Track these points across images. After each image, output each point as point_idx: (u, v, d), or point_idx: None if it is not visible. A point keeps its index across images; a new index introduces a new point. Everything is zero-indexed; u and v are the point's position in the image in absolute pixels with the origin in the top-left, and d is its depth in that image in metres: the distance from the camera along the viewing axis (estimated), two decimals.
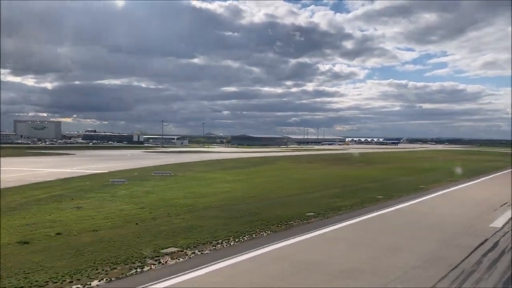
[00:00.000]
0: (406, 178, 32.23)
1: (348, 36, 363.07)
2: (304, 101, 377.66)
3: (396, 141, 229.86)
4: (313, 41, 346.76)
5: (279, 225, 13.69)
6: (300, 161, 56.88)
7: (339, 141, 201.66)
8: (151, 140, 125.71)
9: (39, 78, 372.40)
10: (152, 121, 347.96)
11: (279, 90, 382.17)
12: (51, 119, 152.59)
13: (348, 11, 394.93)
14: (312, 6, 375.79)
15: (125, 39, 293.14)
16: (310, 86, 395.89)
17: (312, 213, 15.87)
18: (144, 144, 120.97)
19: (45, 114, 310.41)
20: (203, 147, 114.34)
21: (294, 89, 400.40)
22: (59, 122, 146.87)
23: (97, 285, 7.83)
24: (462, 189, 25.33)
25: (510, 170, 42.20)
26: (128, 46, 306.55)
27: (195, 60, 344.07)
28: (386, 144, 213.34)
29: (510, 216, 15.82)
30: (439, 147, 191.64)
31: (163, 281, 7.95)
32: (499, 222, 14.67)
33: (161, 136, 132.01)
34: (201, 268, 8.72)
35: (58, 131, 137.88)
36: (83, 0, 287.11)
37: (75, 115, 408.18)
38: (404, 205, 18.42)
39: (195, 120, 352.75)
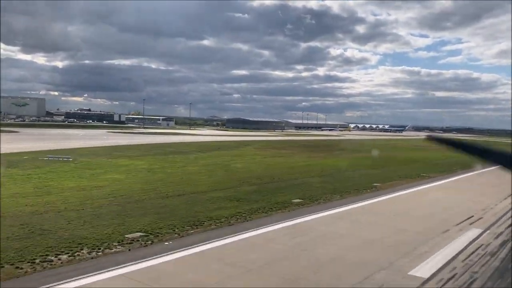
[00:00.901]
0: (368, 171, 26.07)
1: (361, 21, 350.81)
2: (315, 86, 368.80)
3: (401, 128, 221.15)
4: (324, 24, 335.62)
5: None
6: (272, 147, 50.74)
7: (340, 127, 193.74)
8: (136, 121, 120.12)
9: (49, 56, 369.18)
10: (162, 103, 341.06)
11: (289, 74, 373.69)
12: (34, 97, 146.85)
13: None
14: None
15: (134, 19, 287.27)
16: (321, 71, 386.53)
17: (140, 233, 9.97)
18: (125, 124, 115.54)
19: (56, 93, 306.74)
20: (189, 129, 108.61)
21: (304, 74, 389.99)
22: (43, 99, 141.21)
23: None
24: (424, 191, 19.17)
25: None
26: (137, 26, 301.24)
27: (205, 42, 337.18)
28: (390, 132, 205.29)
29: (458, 249, 9.70)
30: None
31: None
32: (431, 264, 8.60)
33: (148, 117, 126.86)
34: None
35: (42, 108, 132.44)
36: None
37: (85, 95, 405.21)
38: (298, 221, 12.25)
39: (205, 102, 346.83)
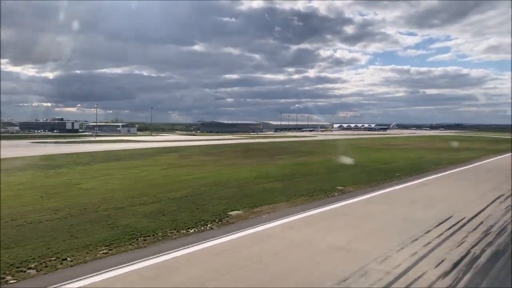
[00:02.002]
0: (266, 186, 18.78)
1: (348, 21, 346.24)
2: (306, 88, 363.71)
3: (386, 127, 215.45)
4: (313, 26, 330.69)
5: None
6: (204, 153, 43.49)
7: (321, 128, 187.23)
8: (96, 128, 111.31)
9: (39, 67, 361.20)
10: (156, 110, 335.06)
11: (281, 77, 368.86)
12: None
13: None
14: None
15: (122, 26, 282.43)
16: (311, 73, 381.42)
17: None
18: (78, 133, 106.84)
19: (49, 104, 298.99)
20: (150, 135, 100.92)
21: (296, 76, 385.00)
22: None
23: None
24: (273, 232, 11.92)
25: (466, 166, 28.90)
26: (126, 33, 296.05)
27: (196, 47, 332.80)
28: (374, 130, 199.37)
29: None
30: (430, 132, 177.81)
31: None
32: None
33: (109, 124, 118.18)
34: None
35: None
36: None
37: (79, 105, 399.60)
38: None
39: (199, 108, 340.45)
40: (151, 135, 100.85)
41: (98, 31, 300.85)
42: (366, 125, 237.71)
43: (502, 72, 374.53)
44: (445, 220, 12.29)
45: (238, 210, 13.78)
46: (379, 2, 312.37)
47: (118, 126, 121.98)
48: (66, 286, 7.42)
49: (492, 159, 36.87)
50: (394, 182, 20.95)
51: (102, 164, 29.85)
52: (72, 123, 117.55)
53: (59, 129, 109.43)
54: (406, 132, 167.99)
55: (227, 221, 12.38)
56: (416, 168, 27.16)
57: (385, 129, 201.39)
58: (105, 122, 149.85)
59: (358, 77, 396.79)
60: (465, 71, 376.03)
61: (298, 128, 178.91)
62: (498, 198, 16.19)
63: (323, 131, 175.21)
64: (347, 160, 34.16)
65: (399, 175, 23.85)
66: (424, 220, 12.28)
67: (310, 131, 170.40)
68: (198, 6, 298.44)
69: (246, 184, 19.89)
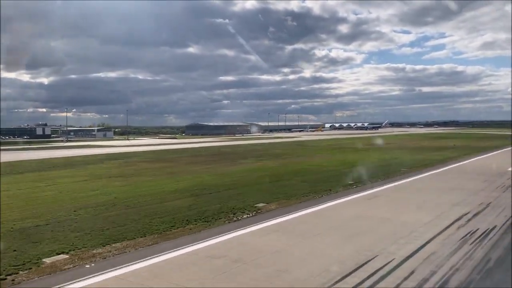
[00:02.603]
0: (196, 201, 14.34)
1: (343, 20, 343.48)
2: (302, 88, 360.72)
3: (378, 125, 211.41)
4: (307, 26, 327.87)
5: None
6: (162, 160, 39.02)
7: (310, 128, 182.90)
8: (67, 133, 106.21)
9: (33, 73, 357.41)
10: (152, 113, 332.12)
11: (277, 78, 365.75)
12: None
13: None
14: None
15: (115, 30, 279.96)
16: (307, 73, 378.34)
17: None
18: (50, 138, 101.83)
19: (44, 110, 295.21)
20: (127, 139, 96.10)
21: (291, 76, 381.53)
22: None
23: None
24: None
25: (439, 170, 24.64)
26: (119, 37, 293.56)
27: (190, 50, 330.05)
28: (367, 129, 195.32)
29: None
30: (423, 130, 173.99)
31: None
32: None
33: (85, 128, 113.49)
34: None
35: None
36: None
37: (74, 110, 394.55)
38: None
39: (195, 110, 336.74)
40: (127, 139, 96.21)
41: (91, 35, 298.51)
42: (359, 124, 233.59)
43: (497, 68, 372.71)
44: (358, 268, 7.89)
45: (63, 253, 9.32)
46: (372, 1, 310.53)
47: (93, 130, 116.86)
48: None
49: (474, 158, 32.60)
50: (340, 194, 16.59)
51: (14, 176, 25.32)
52: (43, 128, 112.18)
53: (30, 134, 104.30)
54: (397, 130, 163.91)
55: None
56: (378, 174, 22.80)
57: (377, 128, 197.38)
58: (89, 127, 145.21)
59: (354, 76, 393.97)
60: (460, 68, 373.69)
61: (288, 129, 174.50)
62: (458, 219, 11.83)
63: (313, 131, 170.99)
64: (307, 164, 29.83)
65: (351, 183, 19.51)
66: (326, 266, 7.88)
67: (300, 131, 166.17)
68: (191, 8, 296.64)
69: (145, 204, 15.44)
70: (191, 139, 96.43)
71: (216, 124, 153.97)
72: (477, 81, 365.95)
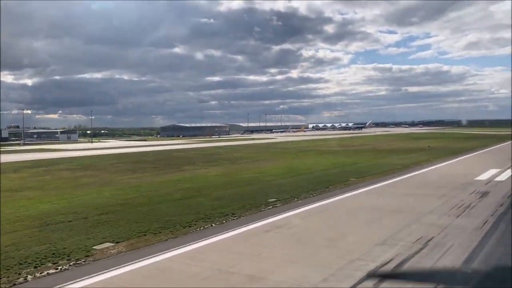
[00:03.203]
0: None
1: (329, 20, 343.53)
2: (290, 89, 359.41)
3: (362, 125, 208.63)
4: (293, 26, 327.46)
5: None
6: (108, 165, 34.09)
7: (292, 128, 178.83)
8: (35, 136, 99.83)
9: (16, 74, 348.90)
10: (139, 114, 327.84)
11: (264, 78, 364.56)
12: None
13: None
14: None
15: (98, 30, 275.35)
16: (294, 73, 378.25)
17: None
18: (7, 141, 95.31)
19: (29, 111, 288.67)
20: (90, 142, 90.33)
21: (279, 77, 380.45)
22: None
23: None
24: None
25: (399, 178, 20.32)
26: (103, 37, 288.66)
27: (176, 50, 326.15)
28: (350, 129, 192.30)
29: None
30: (406, 130, 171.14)
31: None
32: None
33: (47, 130, 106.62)
34: None
35: None
36: None
37: (60, 111, 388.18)
38: None
39: (183, 111, 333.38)
40: (91, 142, 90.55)
41: (75, 35, 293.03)
42: (343, 124, 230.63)
43: (482, 68, 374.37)
44: None
45: None
46: (357, 1, 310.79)
47: (56, 132, 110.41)
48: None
49: (443, 163, 28.36)
50: (233, 224, 11.94)
51: None
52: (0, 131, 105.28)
53: None
54: (380, 131, 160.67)
55: None
56: (318, 185, 18.33)
57: (361, 128, 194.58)
58: (63, 128, 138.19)
59: (341, 76, 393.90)
60: (446, 67, 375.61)
61: (269, 130, 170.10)
62: (366, 278, 7.21)
63: (295, 131, 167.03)
64: (253, 171, 25.38)
65: (273, 201, 14.95)
66: None
67: (282, 132, 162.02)
68: (176, 8, 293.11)
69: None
70: (159, 141, 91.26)
71: (192, 125, 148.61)
72: (462, 80, 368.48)
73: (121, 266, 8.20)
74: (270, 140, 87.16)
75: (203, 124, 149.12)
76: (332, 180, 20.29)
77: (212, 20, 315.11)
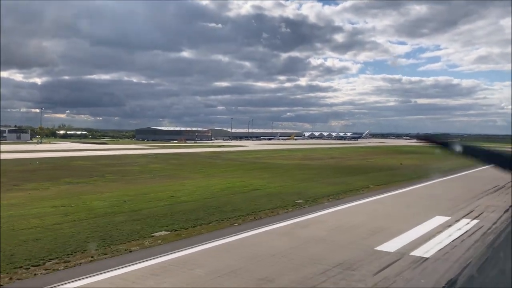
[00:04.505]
0: None
1: (338, 29, 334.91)
2: (298, 96, 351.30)
3: (358, 136, 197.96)
4: (302, 34, 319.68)
5: None
6: None
7: (281, 136, 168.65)
8: None
9: (25, 73, 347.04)
10: (147, 117, 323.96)
11: (272, 85, 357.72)
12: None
13: (336, 3, 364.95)
14: None
15: (107, 32, 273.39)
16: (303, 81, 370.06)
17: None
18: None
19: (37, 110, 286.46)
20: (40, 142, 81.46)
21: (287, 84, 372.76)
22: None
23: None
24: None
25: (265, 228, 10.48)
26: (110, 39, 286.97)
27: (184, 54, 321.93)
28: (345, 139, 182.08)
29: None
30: (403, 142, 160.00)
31: None
32: None
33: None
34: None
35: None
36: None
37: (68, 111, 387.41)
38: None
39: (190, 115, 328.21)
40: (37, 143, 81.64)
41: (82, 36, 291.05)
42: (341, 134, 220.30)
43: (491, 83, 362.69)
44: None
45: None
46: (368, 10, 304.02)
47: (4, 131, 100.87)
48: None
49: (380, 196, 18.76)
50: None
51: None
52: None
53: None
54: (374, 142, 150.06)
55: None
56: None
57: (356, 138, 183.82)
58: (12, 127, 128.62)
59: (350, 86, 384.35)
60: (456, 81, 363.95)
61: (256, 137, 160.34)
62: None
63: (285, 139, 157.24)
64: (156, 190, 16.11)
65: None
66: None
67: (269, 139, 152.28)
68: (184, 11, 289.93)
69: None
70: (117, 145, 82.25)
71: (169, 128, 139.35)
72: (472, 94, 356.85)
73: None
74: (239, 148, 77.69)
75: (182, 128, 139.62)
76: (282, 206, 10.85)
77: (220, 25, 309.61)
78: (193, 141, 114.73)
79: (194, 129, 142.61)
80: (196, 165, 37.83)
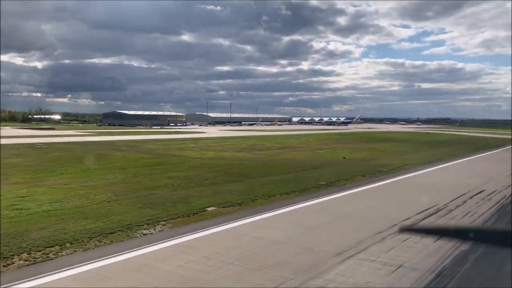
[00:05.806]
0: None
1: (341, 12, 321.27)
2: (300, 81, 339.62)
3: (349, 121, 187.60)
4: (304, 16, 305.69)
5: None
6: None
7: (262, 121, 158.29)
8: None
9: (24, 56, 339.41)
10: (148, 102, 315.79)
11: (274, 70, 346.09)
12: None
13: None
14: None
15: (105, 14, 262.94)
16: (305, 65, 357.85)
17: None
18: None
19: (39, 94, 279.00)
20: None
21: (289, 68, 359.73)
22: None
23: None
24: None
25: None
26: (109, 22, 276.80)
27: (184, 37, 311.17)
28: (334, 125, 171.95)
29: None
30: (396, 127, 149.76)
31: None
32: None
33: None
34: None
35: None
36: None
37: (69, 95, 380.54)
38: None
39: (192, 100, 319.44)
40: None
41: (81, 19, 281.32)
42: (333, 119, 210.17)
43: (497, 67, 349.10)
44: None
45: None
46: None
47: None
48: None
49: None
50: None
51: None
52: None
53: None
54: (361, 127, 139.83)
55: None
56: None
57: (346, 124, 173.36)
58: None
59: (352, 70, 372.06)
60: (460, 65, 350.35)
61: (237, 122, 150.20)
62: None
63: (268, 125, 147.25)
64: None
65: None
66: None
67: (251, 124, 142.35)
68: None
69: None
70: (67, 131, 72.81)
71: (137, 113, 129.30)
72: (477, 79, 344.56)
73: None
74: (194, 135, 68.08)
75: (153, 112, 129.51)
76: None
77: (219, 7, 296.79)
78: (159, 127, 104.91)
79: (167, 113, 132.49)
80: (72, 160, 28.32)
